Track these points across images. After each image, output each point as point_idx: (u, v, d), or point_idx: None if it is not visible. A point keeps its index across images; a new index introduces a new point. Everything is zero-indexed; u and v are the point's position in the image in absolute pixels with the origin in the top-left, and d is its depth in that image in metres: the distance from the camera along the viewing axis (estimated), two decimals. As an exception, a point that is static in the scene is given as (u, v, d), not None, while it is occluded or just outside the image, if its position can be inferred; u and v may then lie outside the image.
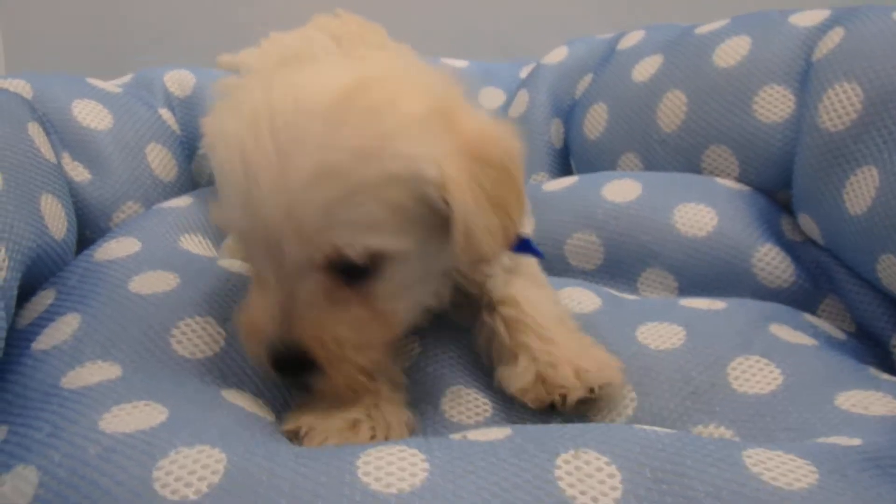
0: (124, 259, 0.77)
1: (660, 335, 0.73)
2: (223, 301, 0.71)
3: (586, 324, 0.74)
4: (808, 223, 0.89)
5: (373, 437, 0.60)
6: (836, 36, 0.89)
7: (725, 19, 1.06)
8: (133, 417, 0.55)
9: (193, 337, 0.67)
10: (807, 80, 0.91)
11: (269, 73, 0.64)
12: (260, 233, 0.56)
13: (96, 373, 0.61)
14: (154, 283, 0.73)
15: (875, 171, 0.78)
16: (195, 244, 0.87)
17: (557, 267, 0.94)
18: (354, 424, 0.60)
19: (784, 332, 0.73)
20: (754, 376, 0.66)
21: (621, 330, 0.74)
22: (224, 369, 0.65)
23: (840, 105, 0.83)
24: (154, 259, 0.78)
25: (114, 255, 0.79)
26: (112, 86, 1.06)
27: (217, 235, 0.92)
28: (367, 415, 0.61)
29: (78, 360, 0.63)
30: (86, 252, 0.80)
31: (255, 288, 0.61)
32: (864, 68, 0.82)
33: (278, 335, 0.58)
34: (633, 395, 0.67)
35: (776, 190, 0.95)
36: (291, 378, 0.62)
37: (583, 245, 0.93)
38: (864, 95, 0.81)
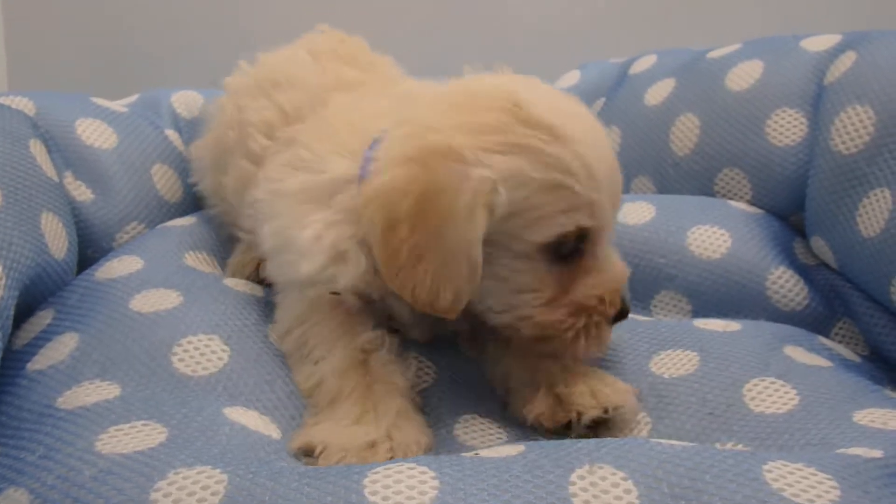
0: (126, 277, 0.77)
1: (674, 363, 0.72)
2: (228, 318, 0.71)
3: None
4: (820, 246, 0.88)
5: (391, 458, 0.58)
6: (847, 60, 0.89)
7: (737, 44, 1.06)
8: (131, 438, 0.54)
9: (196, 354, 0.66)
10: (819, 103, 0.91)
11: None
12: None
13: (94, 393, 0.60)
14: (156, 300, 0.72)
15: (888, 194, 0.77)
16: (200, 261, 0.87)
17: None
18: (373, 444, 0.59)
19: (799, 354, 0.72)
20: (770, 397, 0.65)
21: (634, 361, 0.73)
22: (229, 387, 0.64)
23: (853, 128, 0.83)
24: (157, 277, 0.77)
25: (115, 273, 0.78)
26: (118, 105, 1.06)
27: (222, 252, 0.92)
28: (387, 435, 0.60)
29: (75, 380, 0.62)
30: (87, 271, 0.80)
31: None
32: (876, 91, 0.83)
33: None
34: (648, 419, 0.66)
35: (789, 213, 0.94)
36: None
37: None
38: (877, 118, 0.81)
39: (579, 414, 0.63)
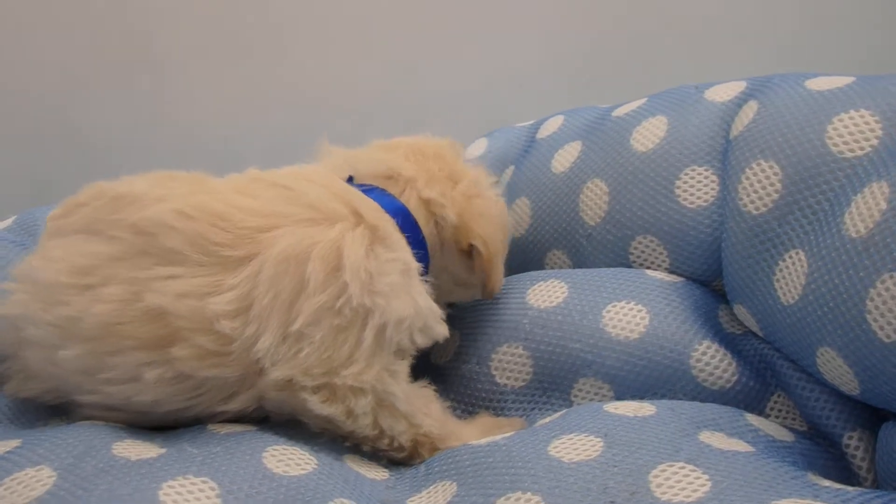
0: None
1: (574, 448, 0.68)
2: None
3: (493, 446, 0.71)
4: (744, 314, 0.85)
5: None
6: (749, 111, 0.87)
7: (643, 99, 1.05)
8: None
9: None
10: (726, 159, 0.89)
11: None
12: None
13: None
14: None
15: (803, 256, 0.75)
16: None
17: (486, 388, 0.90)
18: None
19: (716, 440, 0.68)
20: (679, 482, 0.61)
21: (532, 446, 0.70)
22: None
23: (759, 185, 0.81)
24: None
25: None
26: None
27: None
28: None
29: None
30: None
31: None
32: (780, 144, 0.80)
33: None
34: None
35: (711, 279, 0.92)
36: None
37: (509, 359, 0.89)
38: (783, 173, 0.79)
39: None
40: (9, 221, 1.11)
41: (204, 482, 0.62)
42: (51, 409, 0.80)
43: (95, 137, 1.83)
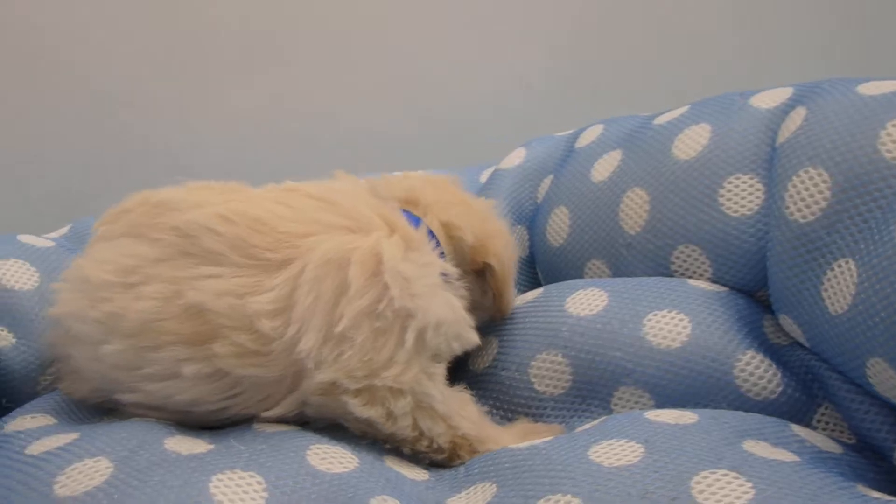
0: (34, 430, 0.76)
1: (615, 452, 0.67)
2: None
3: (533, 449, 0.71)
4: (789, 325, 0.84)
5: None
6: (797, 117, 0.86)
7: (685, 106, 1.04)
8: None
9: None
10: (772, 167, 0.88)
11: None
12: None
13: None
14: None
15: (853, 265, 0.74)
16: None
17: (524, 395, 0.89)
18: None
19: (760, 449, 0.67)
20: (722, 489, 0.60)
21: (572, 451, 0.69)
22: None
23: (807, 193, 0.80)
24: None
25: (25, 426, 0.78)
26: (45, 241, 1.07)
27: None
28: None
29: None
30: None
31: None
32: (829, 150, 0.79)
33: None
34: None
35: (755, 289, 0.90)
36: None
37: (548, 367, 0.89)
38: (832, 181, 0.78)
39: None
40: (65, 230, 1.17)
41: (251, 476, 0.63)
42: (104, 409, 0.83)
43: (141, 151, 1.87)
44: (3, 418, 0.81)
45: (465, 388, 0.84)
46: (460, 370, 0.94)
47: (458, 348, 0.82)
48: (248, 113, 1.85)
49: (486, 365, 0.94)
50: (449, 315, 0.78)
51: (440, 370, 0.79)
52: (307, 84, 1.86)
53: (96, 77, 1.81)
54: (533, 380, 0.89)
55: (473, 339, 0.83)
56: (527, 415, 0.89)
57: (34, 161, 1.82)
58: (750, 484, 0.60)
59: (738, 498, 0.59)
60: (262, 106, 1.86)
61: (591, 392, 0.86)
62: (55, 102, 1.81)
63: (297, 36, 1.84)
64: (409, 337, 0.74)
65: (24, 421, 0.80)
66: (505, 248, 0.93)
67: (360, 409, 0.74)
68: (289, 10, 1.82)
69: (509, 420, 0.89)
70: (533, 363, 0.90)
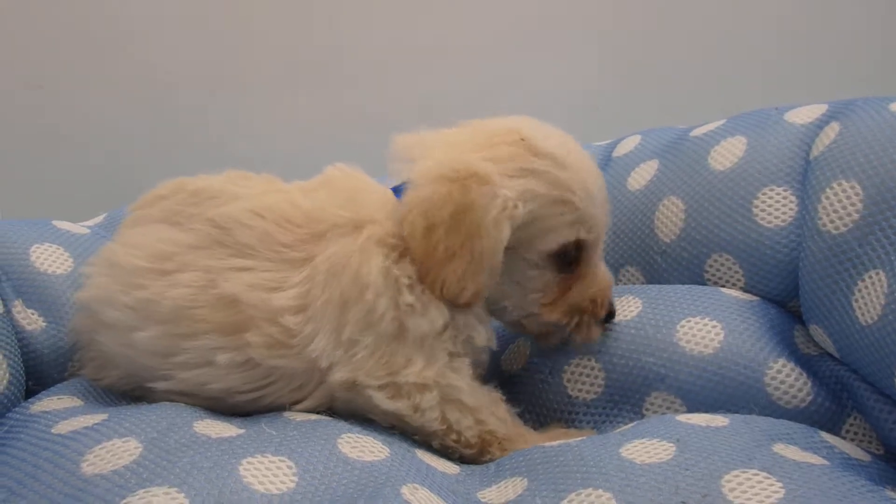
0: (61, 411, 0.78)
1: (646, 450, 0.70)
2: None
3: (564, 446, 0.74)
4: (819, 335, 0.86)
5: None
6: (831, 132, 0.89)
7: (721, 119, 1.07)
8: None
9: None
10: (806, 180, 0.90)
11: None
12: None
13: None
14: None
15: (883, 276, 0.76)
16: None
17: (557, 399, 0.92)
18: None
19: (790, 452, 0.69)
20: (752, 488, 0.62)
21: (604, 448, 0.72)
22: None
23: (840, 205, 0.82)
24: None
25: (51, 407, 0.80)
26: (80, 227, 1.09)
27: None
28: None
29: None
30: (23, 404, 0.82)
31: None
32: (861, 164, 0.82)
33: None
34: (614, 501, 0.63)
35: (787, 299, 0.93)
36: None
37: (582, 372, 0.91)
38: (864, 193, 0.80)
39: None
40: (100, 218, 1.19)
41: (281, 461, 0.65)
42: (131, 396, 0.85)
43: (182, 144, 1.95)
44: (30, 400, 0.84)
45: (496, 387, 0.86)
46: (493, 370, 0.97)
47: (473, 347, 0.83)
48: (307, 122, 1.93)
49: (520, 366, 0.96)
50: (439, 323, 0.79)
51: (464, 363, 0.81)
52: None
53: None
54: (566, 384, 0.92)
55: (486, 336, 0.84)
56: (559, 419, 0.91)
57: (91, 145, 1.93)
58: (780, 484, 0.63)
59: (769, 497, 0.61)
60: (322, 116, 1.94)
61: (624, 397, 0.89)
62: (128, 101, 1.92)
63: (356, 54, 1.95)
64: (414, 344, 0.77)
65: (50, 402, 0.82)
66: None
67: (385, 402, 0.77)
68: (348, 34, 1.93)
69: (542, 424, 0.92)
70: (567, 368, 0.92)
